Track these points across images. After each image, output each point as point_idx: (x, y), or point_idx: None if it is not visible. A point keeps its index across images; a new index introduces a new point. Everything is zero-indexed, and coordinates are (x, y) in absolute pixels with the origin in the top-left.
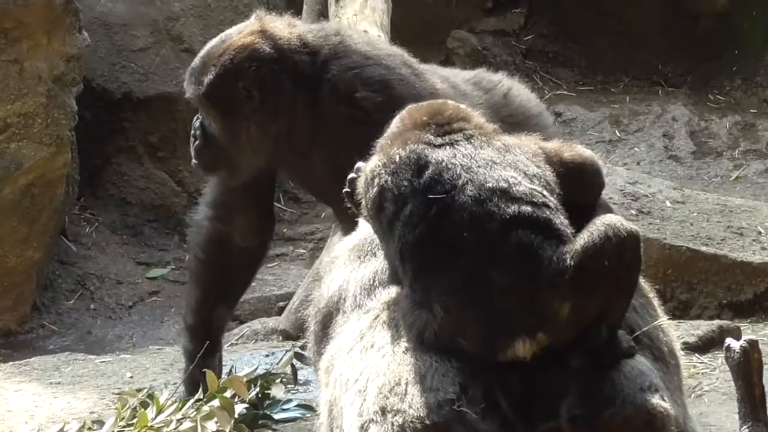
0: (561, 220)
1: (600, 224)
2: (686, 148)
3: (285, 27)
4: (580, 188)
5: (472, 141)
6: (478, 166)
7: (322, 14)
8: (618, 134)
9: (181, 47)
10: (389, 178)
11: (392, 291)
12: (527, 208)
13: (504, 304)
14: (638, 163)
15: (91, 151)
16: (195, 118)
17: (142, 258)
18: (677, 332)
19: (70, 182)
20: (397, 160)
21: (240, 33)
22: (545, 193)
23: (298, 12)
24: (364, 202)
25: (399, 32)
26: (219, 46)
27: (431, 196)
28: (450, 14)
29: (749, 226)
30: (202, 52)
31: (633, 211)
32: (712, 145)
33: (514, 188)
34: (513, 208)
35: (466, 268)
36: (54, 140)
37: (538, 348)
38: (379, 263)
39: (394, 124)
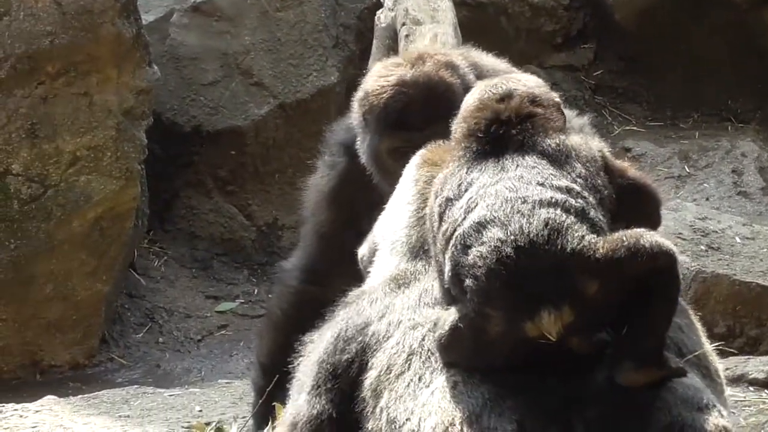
0: (597, 214)
1: (637, 229)
2: (755, 184)
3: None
4: (635, 212)
5: (525, 143)
6: (518, 176)
7: (392, 49)
8: (687, 170)
9: (250, 81)
10: (439, 190)
11: (439, 310)
12: (560, 195)
13: (531, 273)
14: (707, 199)
15: (161, 184)
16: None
17: (210, 292)
18: (747, 368)
19: (139, 216)
20: (446, 173)
21: (436, 66)
22: (585, 192)
23: (368, 47)
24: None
25: None
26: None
27: (469, 197)
28: (520, 49)
29: None
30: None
31: (702, 247)
32: None
33: (550, 181)
34: (547, 193)
35: (493, 240)
36: (123, 173)
37: (563, 324)
38: (423, 285)
39: (456, 126)
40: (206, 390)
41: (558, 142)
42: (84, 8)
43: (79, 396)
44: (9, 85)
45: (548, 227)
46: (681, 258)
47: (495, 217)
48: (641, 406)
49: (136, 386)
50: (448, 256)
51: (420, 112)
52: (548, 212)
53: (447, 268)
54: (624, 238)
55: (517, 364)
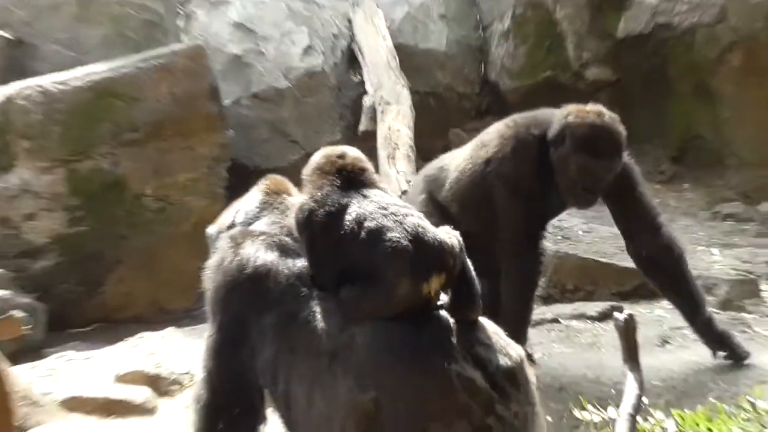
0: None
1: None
2: None
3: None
4: None
5: (371, 185)
6: (380, 201)
7: (373, 119)
8: None
9: (288, 139)
10: (317, 206)
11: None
12: (409, 210)
13: (422, 255)
14: None
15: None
16: (604, 172)
17: None
18: (585, 309)
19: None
20: (319, 196)
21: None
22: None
23: (358, 118)
24: (298, 219)
25: (419, 129)
26: (615, 128)
27: (355, 212)
28: (450, 118)
29: None
30: (609, 134)
31: (559, 237)
32: None
33: (397, 205)
34: (402, 210)
35: (394, 237)
36: (212, 195)
37: (439, 284)
38: (300, 263)
39: (309, 172)
40: None
41: (384, 187)
42: (188, 94)
43: (190, 327)
44: (143, 142)
45: (418, 227)
46: None
47: (384, 225)
48: (482, 329)
49: None
50: (356, 252)
51: (611, 146)
52: (411, 219)
53: (355, 262)
54: (448, 233)
55: (398, 314)
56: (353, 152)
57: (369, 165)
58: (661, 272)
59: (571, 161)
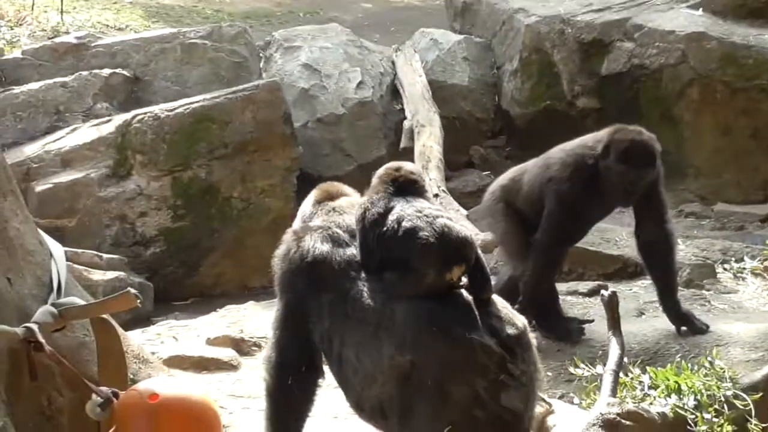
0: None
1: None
2: None
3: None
4: None
5: (418, 193)
6: (419, 206)
7: (411, 139)
8: None
9: (344, 153)
10: (370, 206)
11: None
12: (439, 213)
13: (446, 250)
14: None
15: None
16: (639, 178)
17: None
18: (578, 287)
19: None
20: (374, 198)
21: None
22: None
23: (399, 138)
24: (357, 215)
25: (447, 146)
26: (651, 144)
27: (397, 214)
28: (470, 138)
29: (611, 238)
30: (645, 148)
31: None
32: None
33: (431, 208)
34: (435, 212)
35: (424, 235)
36: (285, 197)
37: (460, 274)
38: (352, 251)
39: (374, 180)
40: None
41: (429, 195)
42: (266, 119)
43: (266, 301)
44: (231, 156)
45: (444, 228)
46: None
47: (417, 225)
48: (494, 305)
49: None
50: (395, 245)
51: (647, 158)
52: (440, 221)
53: (395, 253)
54: (468, 229)
55: (428, 295)
56: (408, 167)
57: (419, 177)
58: (653, 256)
59: (615, 170)
